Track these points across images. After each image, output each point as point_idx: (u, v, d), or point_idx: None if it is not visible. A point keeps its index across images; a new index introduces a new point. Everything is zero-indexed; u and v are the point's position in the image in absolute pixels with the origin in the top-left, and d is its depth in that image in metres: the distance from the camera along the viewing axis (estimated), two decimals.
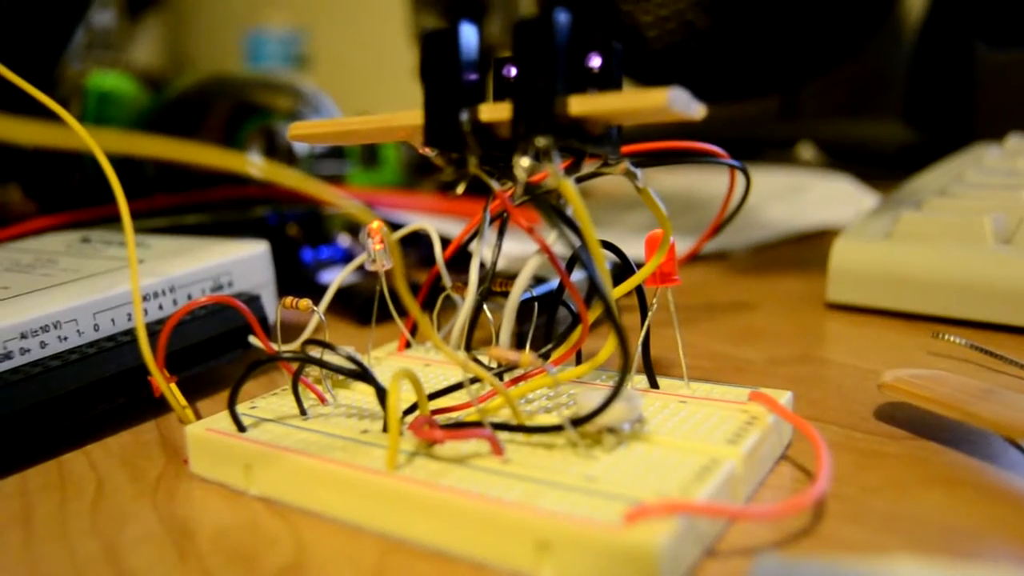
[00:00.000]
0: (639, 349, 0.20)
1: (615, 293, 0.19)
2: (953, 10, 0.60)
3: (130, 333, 0.22)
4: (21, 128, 0.13)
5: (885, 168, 0.57)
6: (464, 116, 0.18)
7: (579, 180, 0.19)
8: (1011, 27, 0.56)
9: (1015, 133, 0.40)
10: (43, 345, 0.21)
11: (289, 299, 0.21)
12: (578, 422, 0.17)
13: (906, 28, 0.68)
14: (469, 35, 0.18)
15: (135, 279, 0.21)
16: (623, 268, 0.20)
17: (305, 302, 0.21)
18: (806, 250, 0.41)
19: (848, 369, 0.25)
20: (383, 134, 0.20)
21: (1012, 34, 0.56)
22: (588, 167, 0.19)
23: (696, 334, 0.28)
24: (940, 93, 0.63)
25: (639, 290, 0.20)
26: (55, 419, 0.20)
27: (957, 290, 0.28)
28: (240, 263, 0.26)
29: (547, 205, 0.17)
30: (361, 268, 0.22)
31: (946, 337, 0.25)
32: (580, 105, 0.17)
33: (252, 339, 0.23)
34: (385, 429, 0.18)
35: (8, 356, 0.20)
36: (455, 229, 0.25)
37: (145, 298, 0.23)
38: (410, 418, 0.19)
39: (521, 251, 0.33)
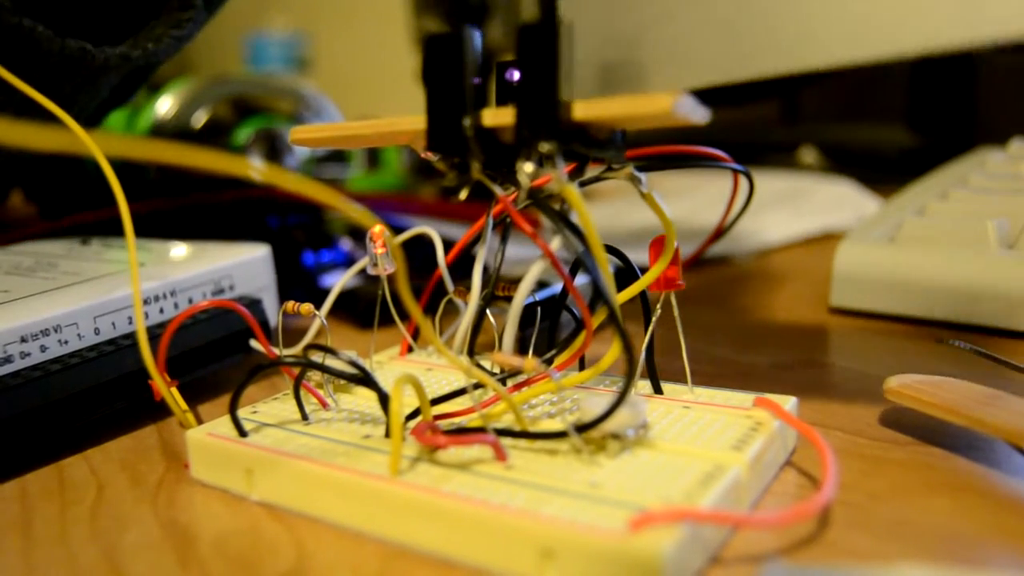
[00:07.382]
0: (643, 354, 0.20)
1: (619, 298, 0.19)
2: None
3: (131, 337, 0.22)
4: (23, 132, 0.12)
5: (887, 172, 0.57)
6: (467, 121, 0.17)
7: (583, 184, 0.19)
8: None
9: (1018, 137, 0.40)
10: (43, 349, 0.21)
11: (291, 303, 0.21)
12: (582, 428, 0.17)
13: None
14: (472, 39, 0.18)
15: (136, 283, 0.21)
16: (627, 273, 0.20)
17: (307, 306, 0.21)
18: (809, 255, 0.41)
19: (853, 374, 0.25)
20: (385, 138, 0.20)
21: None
22: (592, 171, 0.19)
23: (700, 339, 0.28)
24: (942, 97, 0.63)
25: (643, 295, 0.20)
26: (55, 423, 0.20)
27: (961, 295, 0.28)
28: (241, 267, 0.26)
29: (550, 210, 0.17)
30: (363, 272, 0.22)
31: (951, 342, 0.25)
32: (584, 110, 0.16)
33: (253, 343, 0.23)
34: (387, 434, 0.18)
35: (8, 360, 0.20)
36: (458, 233, 0.25)
37: (146, 302, 0.23)
38: (413, 423, 0.19)
39: (524, 256, 0.33)
